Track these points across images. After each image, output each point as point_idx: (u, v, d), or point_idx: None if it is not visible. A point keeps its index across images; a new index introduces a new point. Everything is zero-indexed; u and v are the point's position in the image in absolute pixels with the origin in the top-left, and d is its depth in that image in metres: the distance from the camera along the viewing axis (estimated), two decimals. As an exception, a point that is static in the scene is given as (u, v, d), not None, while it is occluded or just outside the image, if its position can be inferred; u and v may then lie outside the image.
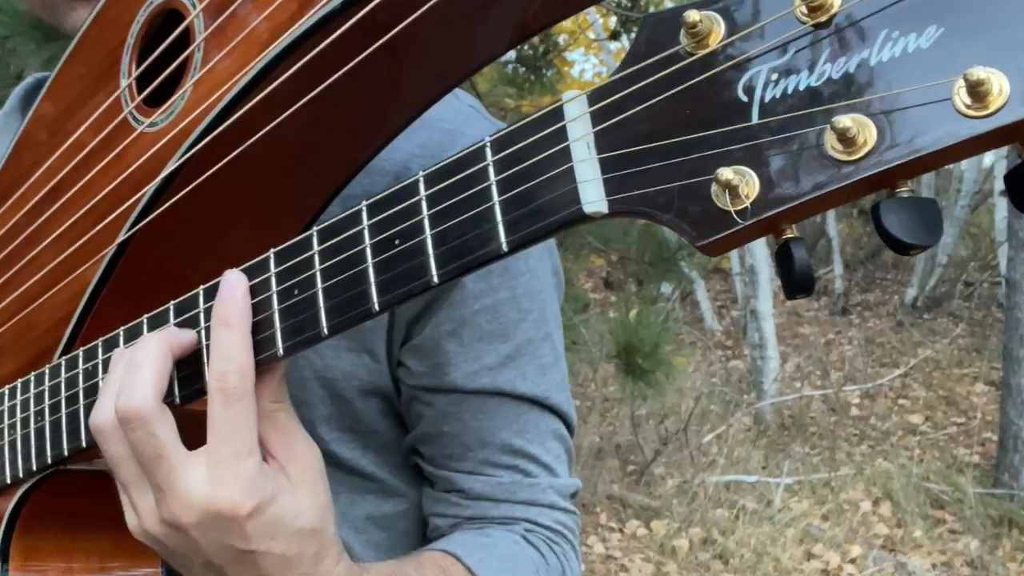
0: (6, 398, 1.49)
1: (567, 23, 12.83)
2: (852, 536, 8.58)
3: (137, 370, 1.17)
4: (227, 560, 1.18)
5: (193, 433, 1.17)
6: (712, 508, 9.01)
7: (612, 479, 9.54)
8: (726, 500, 9.18)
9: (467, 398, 1.57)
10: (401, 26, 1.04)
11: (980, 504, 8.96)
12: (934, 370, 13.07)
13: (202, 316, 1.19)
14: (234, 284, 1.14)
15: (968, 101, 0.69)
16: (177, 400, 1.21)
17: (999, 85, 0.67)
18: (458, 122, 1.57)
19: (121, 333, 1.29)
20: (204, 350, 1.19)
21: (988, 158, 15.31)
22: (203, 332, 1.19)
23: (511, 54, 10.11)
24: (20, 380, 1.46)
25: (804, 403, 11.98)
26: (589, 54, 17.63)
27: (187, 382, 1.22)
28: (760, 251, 11.80)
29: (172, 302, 1.24)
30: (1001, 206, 14.53)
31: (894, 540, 8.64)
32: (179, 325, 1.22)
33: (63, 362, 1.38)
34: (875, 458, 10.35)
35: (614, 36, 9.54)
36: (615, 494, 9.16)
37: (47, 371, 1.41)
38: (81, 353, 1.35)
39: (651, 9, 8.86)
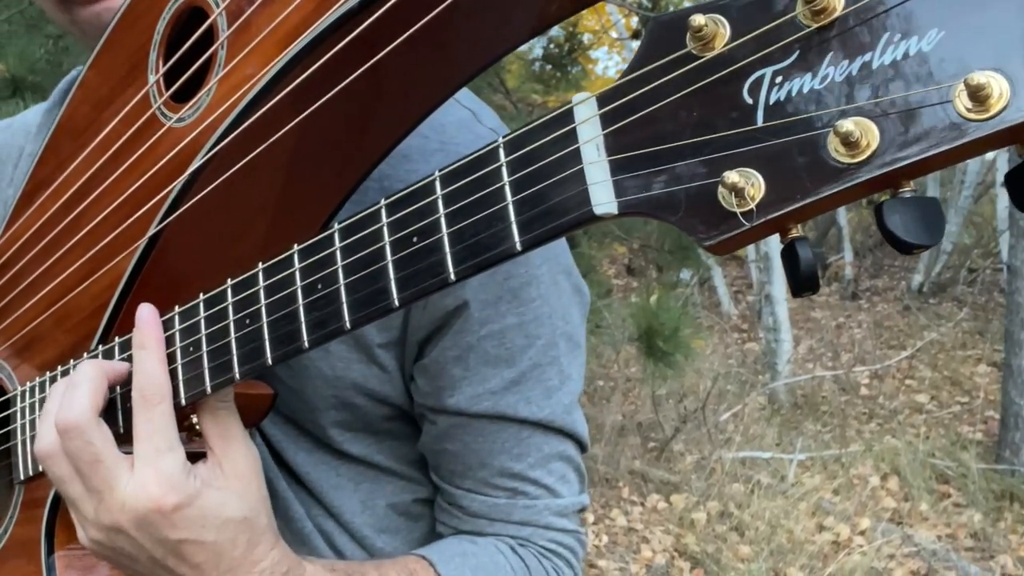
0: (47, 385, 1.48)
1: (591, 23, 12.84)
2: (861, 509, 8.56)
3: (75, 388, 1.26)
4: (164, 552, 1.24)
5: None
6: (729, 483, 9.00)
7: (634, 455, 9.55)
8: (742, 475, 9.17)
9: (469, 421, 1.54)
10: (423, 21, 1.02)
11: (983, 479, 8.93)
12: (939, 352, 13.04)
13: (231, 310, 1.19)
14: (146, 316, 1.26)
15: (969, 104, 0.66)
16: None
17: (999, 88, 0.65)
18: (477, 146, 1.51)
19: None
20: (232, 343, 1.19)
21: (990, 151, 15.22)
22: (232, 325, 1.18)
23: (538, 52, 10.14)
24: (60, 368, 1.46)
25: (816, 383, 11.96)
26: (612, 52, 17.66)
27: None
28: (774, 239, 11.68)
29: (202, 296, 1.23)
30: (1003, 196, 14.50)
31: (901, 513, 8.62)
32: (208, 319, 1.22)
33: (100, 351, 1.38)
34: (883, 435, 10.33)
35: (635, 35, 9.56)
36: (637, 469, 9.17)
37: (85, 359, 1.40)
38: (117, 343, 1.35)
39: (671, 9, 8.86)
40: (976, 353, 12.95)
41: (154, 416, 1.22)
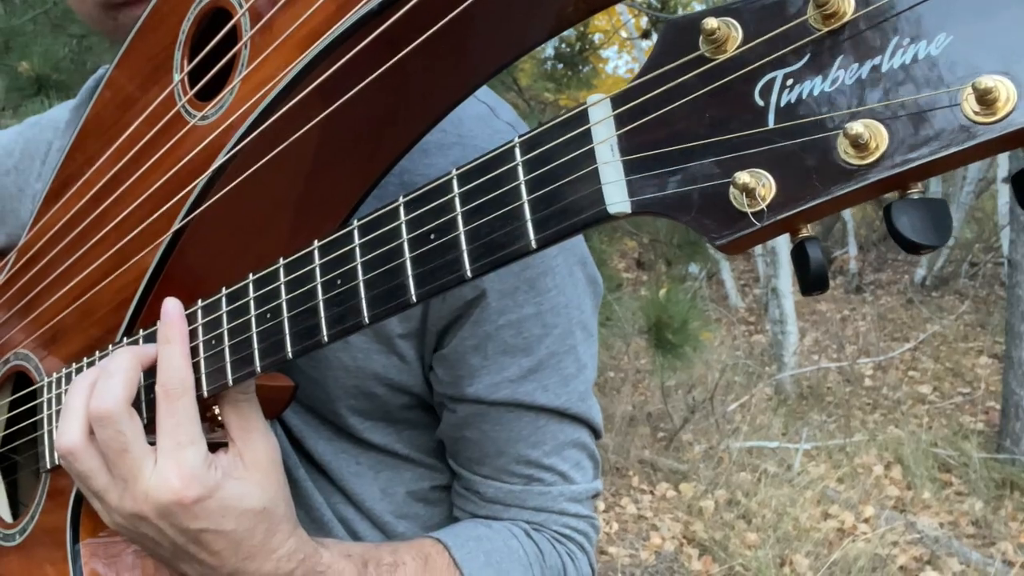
0: (73, 376, 1.48)
1: (602, 23, 12.83)
2: (866, 497, 8.55)
3: (110, 377, 1.25)
4: (185, 540, 1.25)
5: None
6: (736, 472, 9.00)
7: (643, 445, 9.55)
8: (749, 464, 9.16)
9: (488, 409, 1.54)
10: (442, 23, 1.02)
11: (984, 468, 8.91)
12: (941, 344, 13.02)
13: (252, 304, 1.19)
14: (172, 310, 1.25)
15: (977, 108, 0.66)
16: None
17: (1007, 92, 0.65)
18: (494, 140, 1.51)
19: None
20: (253, 337, 1.19)
21: (992, 147, 15.27)
22: (253, 320, 1.18)
23: (550, 51, 10.13)
24: (86, 359, 1.46)
25: (821, 374, 11.95)
26: (622, 52, 17.68)
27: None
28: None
29: (224, 291, 1.23)
30: (1004, 192, 14.50)
31: (904, 501, 8.60)
32: (230, 313, 1.22)
33: (124, 343, 1.38)
34: (887, 425, 10.31)
35: (645, 35, 9.52)
36: (646, 459, 9.16)
37: (110, 351, 1.40)
38: (142, 336, 1.35)
39: (680, 10, 8.84)
40: (977, 345, 12.93)
41: (176, 410, 1.22)
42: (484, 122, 1.52)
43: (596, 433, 1.64)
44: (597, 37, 11.21)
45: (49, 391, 1.55)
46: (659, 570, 7.27)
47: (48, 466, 1.53)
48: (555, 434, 1.58)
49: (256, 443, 1.27)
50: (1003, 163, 14.46)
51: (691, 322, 6.50)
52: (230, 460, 1.26)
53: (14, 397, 1.71)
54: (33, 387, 1.62)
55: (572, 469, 1.60)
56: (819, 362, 12.37)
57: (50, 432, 1.53)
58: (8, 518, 1.70)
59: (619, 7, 10.78)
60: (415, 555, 1.46)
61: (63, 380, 1.51)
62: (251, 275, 1.20)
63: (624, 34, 13.37)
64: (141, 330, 1.36)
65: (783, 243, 11.72)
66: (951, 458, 9.29)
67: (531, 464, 1.57)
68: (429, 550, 1.49)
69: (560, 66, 10.14)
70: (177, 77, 1.35)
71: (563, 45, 10.01)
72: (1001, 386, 9.59)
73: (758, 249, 14.50)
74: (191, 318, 1.27)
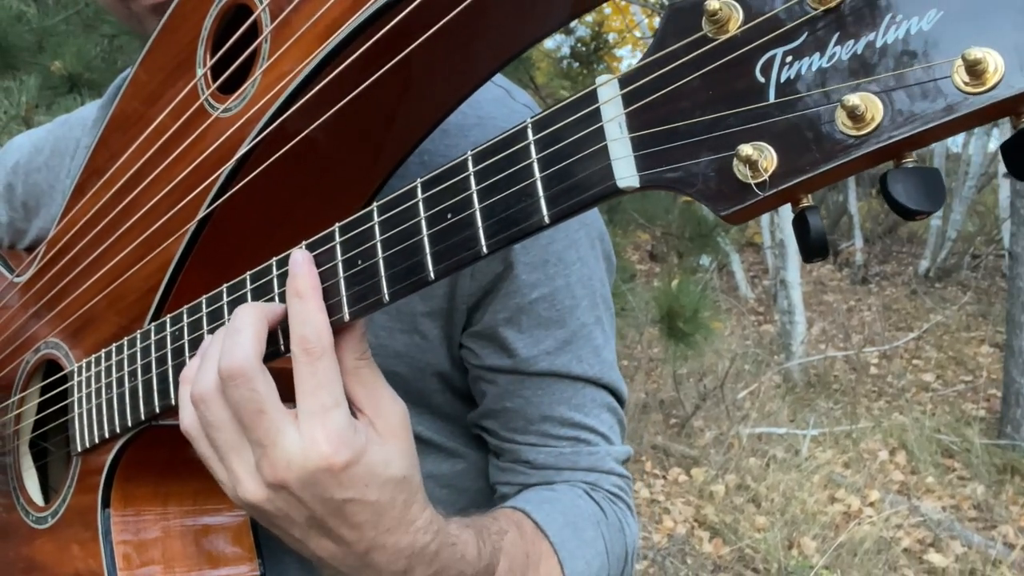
0: (102, 360, 1.49)
1: (616, 23, 12.83)
2: (871, 482, 8.55)
3: (237, 333, 1.13)
4: (326, 512, 1.12)
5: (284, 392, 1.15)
6: (745, 457, 9.00)
7: (656, 431, 9.55)
8: (758, 450, 9.16)
9: (528, 378, 1.55)
10: (455, 11, 1.03)
11: (986, 454, 8.91)
12: (944, 333, 13.01)
13: (275, 282, 1.19)
14: (300, 260, 1.13)
15: (966, 79, 0.67)
16: None
17: (994, 63, 0.66)
18: (512, 120, 1.50)
19: (203, 300, 1.29)
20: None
21: (993, 143, 15.29)
22: (276, 297, 1.19)
23: (566, 51, 10.12)
24: (115, 344, 1.46)
25: (828, 363, 11.94)
26: (636, 51, 17.65)
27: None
28: (789, 226, 11.71)
29: (248, 272, 1.22)
30: (1005, 186, 14.49)
31: (909, 486, 8.60)
32: (254, 291, 1.21)
33: (152, 327, 1.38)
34: (891, 412, 10.31)
35: (657, 35, 9.51)
36: (659, 444, 9.17)
37: (138, 336, 1.41)
38: (168, 319, 1.35)
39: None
40: (979, 334, 12.92)
41: (318, 369, 1.10)
42: (502, 103, 1.53)
43: (621, 401, 1.66)
44: (611, 37, 11.21)
45: (79, 374, 1.56)
46: (671, 552, 7.27)
47: (79, 449, 1.54)
48: (593, 397, 1.59)
49: (386, 409, 1.17)
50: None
51: (702, 312, 6.49)
52: (366, 429, 1.14)
53: (45, 383, 1.72)
54: (63, 373, 1.63)
55: (610, 431, 1.62)
56: (826, 351, 12.37)
57: (80, 415, 1.54)
58: (40, 502, 1.71)
59: (632, 7, 10.78)
60: (508, 523, 1.42)
61: (92, 363, 1.52)
62: (274, 259, 1.20)
63: (638, 34, 13.36)
64: (168, 315, 1.36)
65: (792, 236, 11.71)
66: (954, 444, 9.29)
67: (576, 426, 1.58)
68: (515, 517, 1.46)
69: (576, 65, 10.13)
70: (200, 71, 1.36)
71: (578, 45, 10.00)
72: (1002, 374, 9.61)
73: (767, 241, 14.50)
74: (216, 298, 1.27)
